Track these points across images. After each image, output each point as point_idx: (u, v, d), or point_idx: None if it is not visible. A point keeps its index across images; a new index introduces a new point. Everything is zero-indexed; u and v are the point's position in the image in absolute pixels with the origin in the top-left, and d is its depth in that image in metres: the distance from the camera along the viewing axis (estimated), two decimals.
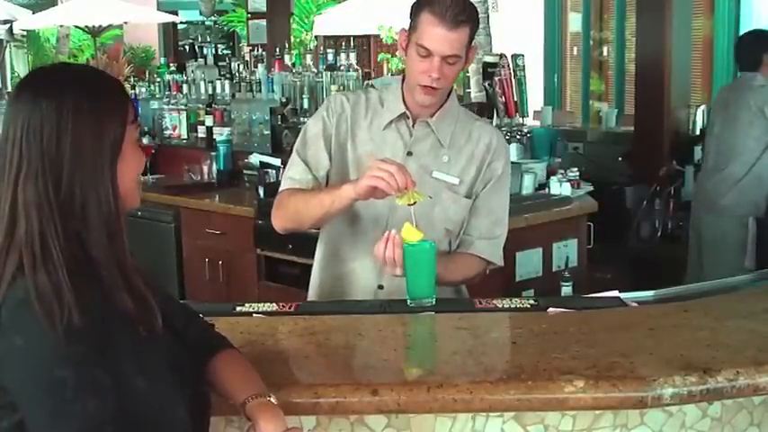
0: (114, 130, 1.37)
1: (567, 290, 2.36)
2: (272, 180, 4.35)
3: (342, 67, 4.69)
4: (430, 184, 2.27)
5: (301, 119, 4.70)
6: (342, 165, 2.32)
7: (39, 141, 1.32)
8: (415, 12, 2.19)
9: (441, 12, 2.12)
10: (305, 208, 2.25)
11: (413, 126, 2.30)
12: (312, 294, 2.45)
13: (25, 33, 13.99)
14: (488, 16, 5.13)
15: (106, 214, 1.35)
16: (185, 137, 5.44)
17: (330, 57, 4.79)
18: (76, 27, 13.07)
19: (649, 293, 2.30)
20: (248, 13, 7.52)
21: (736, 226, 4.47)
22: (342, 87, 4.59)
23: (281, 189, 2.36)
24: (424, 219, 2.19)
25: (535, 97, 7.50)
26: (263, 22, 7.23)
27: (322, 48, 9.99)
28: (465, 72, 4.38)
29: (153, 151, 5.18)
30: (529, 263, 3.67)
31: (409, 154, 2.29)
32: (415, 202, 2.06)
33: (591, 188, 4.22)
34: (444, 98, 2.29)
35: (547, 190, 4.03)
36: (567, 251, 3.79)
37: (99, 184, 1.35)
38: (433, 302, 2.12)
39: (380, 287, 2.31)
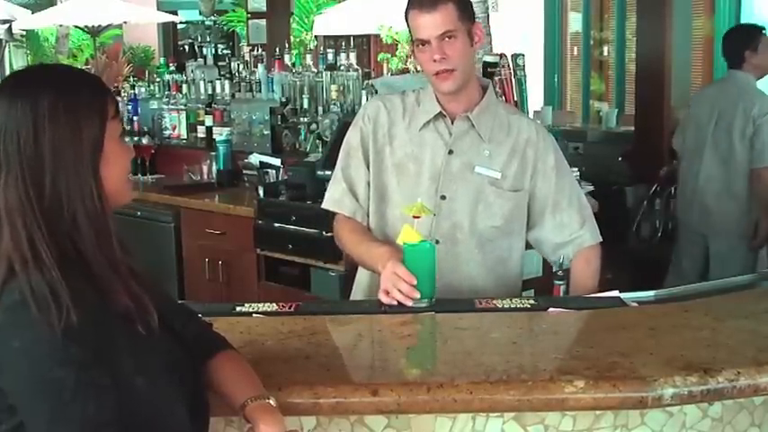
0: (93, 127, 1.35)
1: (561, 289, 2.37)
2: (271, 180, 4.35)
3: (342, 67, 4.68)
4: (473, 180, 2.32)
5: (301, 119, 4.70)
6: (381, 169, 2.37)
7: (16, 144, 1.31)
8: (405, 18, 2.28)
9: (418, 2, 2.23)
10: (351, 252, 2.41)
11: (452, 124, 2.33)
12: (360, 293, 2.46)
13: (24, 33, 13.98)
14: (488, 16, 5.12)
15: (92, 213, 1.34)
16: (185, 137, 5.44)
17: (330, 57, 4.78)
18: (76, 27, 13.06)
19: (649, 293, 2.29)
20: (248, 12, 7.51)
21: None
22: (342, 87, 4.58)
23: (324, 206, 2.46)
24: (467, 220, 2.31)
25: (535, 97, 7.50)
26: (263, 21, 7.23)
27: (322, 48, 9.99)
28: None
29: (153, 151, 5.18)
30: (529, 263, 3.62)
31: (450, 152, 2.32)
32: (419, 216, 2.10)
33: (591, 188, 4.20)
34: (467, 80, 2.30)
35: None
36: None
37: (82, 183, 1.33)
38: (433, 303, 2.12)
39: None
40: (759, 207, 4.29)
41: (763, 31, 4.53)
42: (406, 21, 2.27)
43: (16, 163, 1.31)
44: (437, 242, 2.29)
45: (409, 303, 2.08)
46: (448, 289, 2.26)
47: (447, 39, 2.20)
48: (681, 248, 4.66)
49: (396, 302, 2.09)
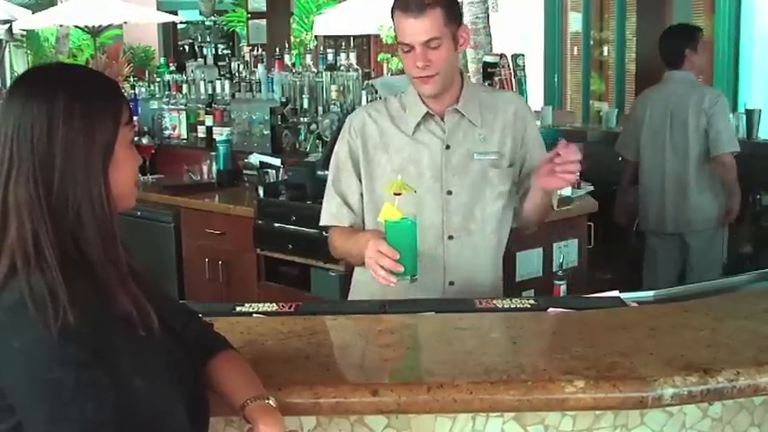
0: (106, 132, 1.36)
1: (561, 289, 2.37)
2: (271, 180, 4.35)
3: (342, 67, 4.68)
4: (474, 167, 2.34)
5: (301, 119, 4.70)
6: (374, 179, 2.36)
7: (29, 142, 1.32)
8: (391, 16, 2.26)
9: (405, 4, 2.20)
10: (341, 249, 2.42)
11: (442, 120, 2.34)
12: (358, 293, 2.45)
13: (25, 33, 13.99)
14: (488, 16, 5.14)
15: (99, 215, 1.35)
16: (185, 137, 5.44)
17: (330, 57, 4.78)
18: (76, 27, 13.07)
19: (649, 293, 2.30)
20: (248, 12, 7.51)
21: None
22: (342, 87, 4.58)
23: (323, 223, 2.45)
24: (478, 208, 2.33)
25: (535, 97, 7.50)
26: (263, 21, 7.23)
27: (322, 48, 9.99)
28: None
29: (153, 151, 5.18)
30: (529, 263, 3.66)
31: (447, 147, 2.34)
32: (400, 193, 2.08)
33: (591, 188, 4.21)
34: (449, 82, 2.30)
35: None
36: (567, 251, 3.79)
37: (91, 185, 1.34)
38: (415, 279, 2.11)
39: (451, 283, 2.34)
40: (725, 192, 4.31)
41: (701, 32, 4.53)
42: (392, 19, 2.25)
43: (28, 160, 1.32)
44: (450, 238, 2.31)
45: (393, 279, 2.07)
46: (468, 283, 2.29)
47: (431, 47, 2.19)
48: (657, 252, 4.60)
49: (392, 282, 2.07)
